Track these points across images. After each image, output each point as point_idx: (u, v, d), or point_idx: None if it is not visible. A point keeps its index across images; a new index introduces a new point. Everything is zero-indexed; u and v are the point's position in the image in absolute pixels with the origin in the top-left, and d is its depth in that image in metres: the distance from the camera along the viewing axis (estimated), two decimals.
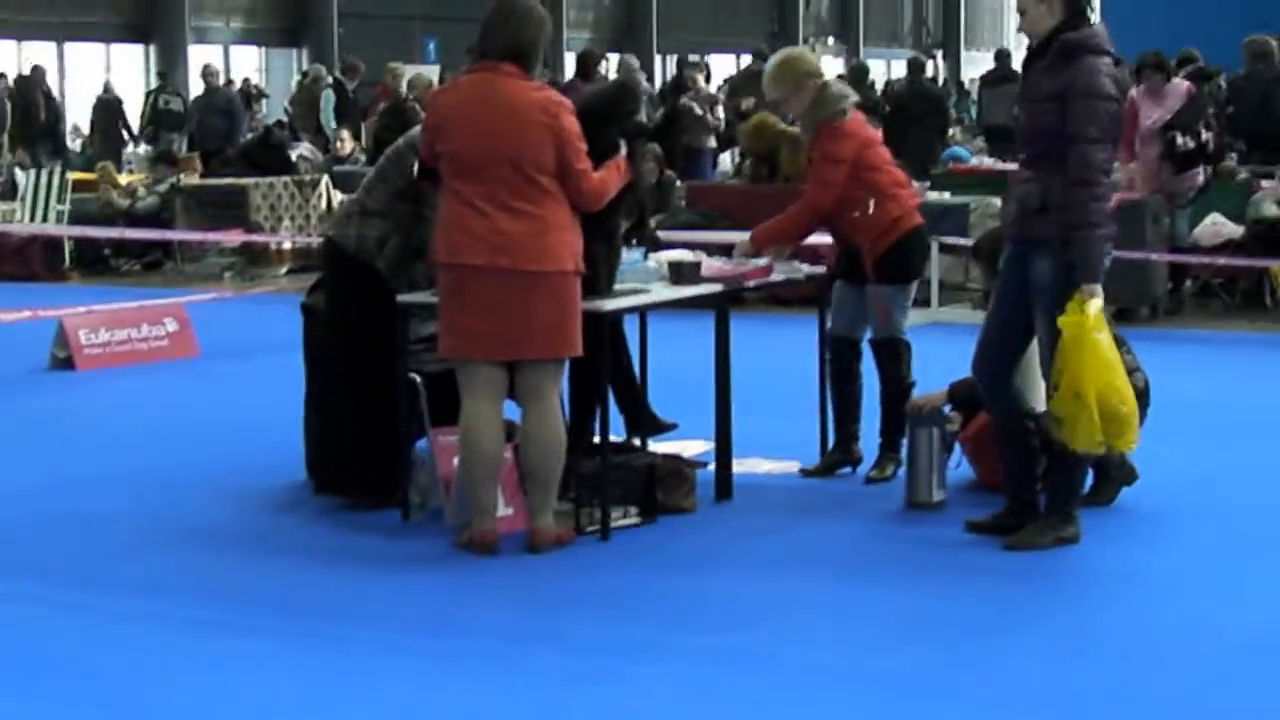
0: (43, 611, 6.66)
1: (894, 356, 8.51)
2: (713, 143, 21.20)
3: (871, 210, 8.39)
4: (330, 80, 24.98)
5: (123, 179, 20.84)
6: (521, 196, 7.14)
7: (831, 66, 42.21)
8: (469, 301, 7.21)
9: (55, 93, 28.65)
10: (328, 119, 23.45)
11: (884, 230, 8.42)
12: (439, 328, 7.40)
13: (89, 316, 12.67)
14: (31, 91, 26.65)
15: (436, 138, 7.31)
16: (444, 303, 7.33)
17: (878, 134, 8.76)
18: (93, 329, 12.46)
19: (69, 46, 34.83)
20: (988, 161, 18.61)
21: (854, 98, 8.73)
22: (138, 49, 35.65)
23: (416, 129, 7.89)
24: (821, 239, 9.14)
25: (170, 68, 33.68)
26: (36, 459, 9.36)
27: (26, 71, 28.16)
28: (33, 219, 18.96)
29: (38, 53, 33.99)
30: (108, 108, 27.73)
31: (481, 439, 7.29)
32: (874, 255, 8.43)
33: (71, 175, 20.07)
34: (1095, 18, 7.30)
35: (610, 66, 26.09)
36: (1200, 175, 14.56)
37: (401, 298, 7.68)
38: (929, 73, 28.58)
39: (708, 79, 24.13)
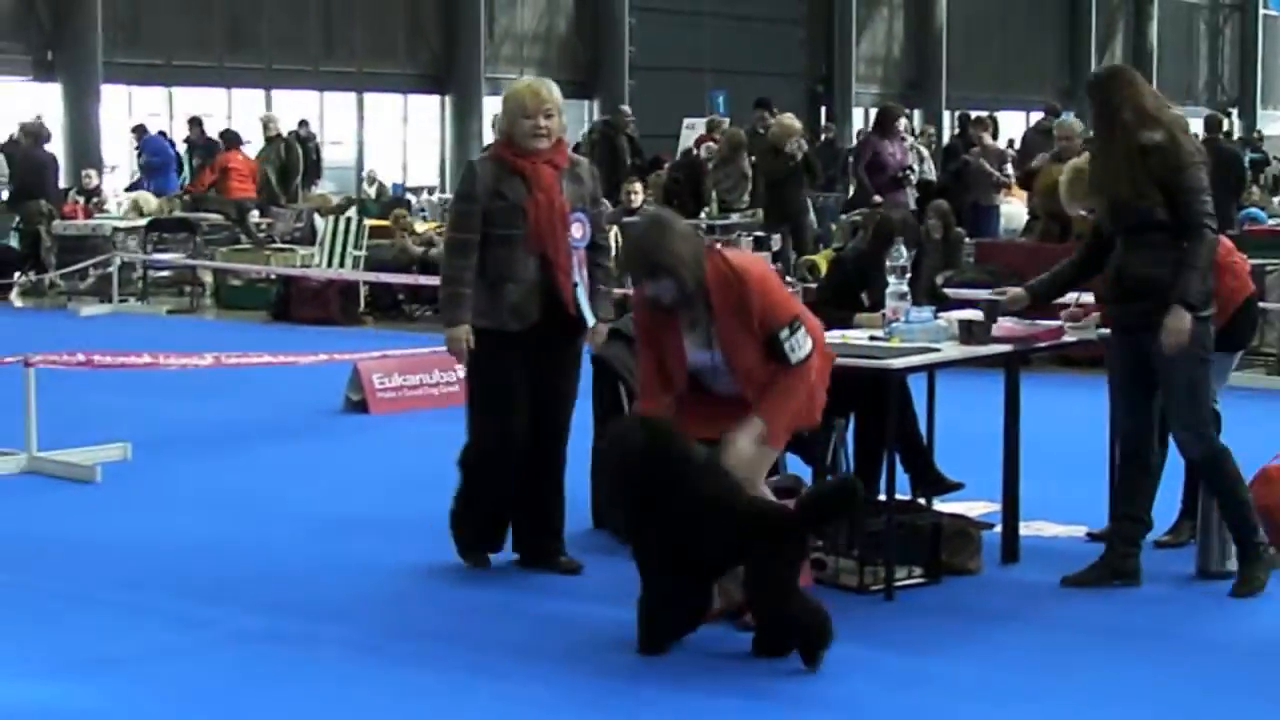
0: (324, 652, 6.79)
1: None
2: (999, 199, 20.99)
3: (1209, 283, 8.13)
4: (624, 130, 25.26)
5: (419, 226, 21.29)
6: None
7: None
8: None
9: (354, 141, 29.06)
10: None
11: (1224, 302, 8.02)
12: None
13: (383, 361, 12.93)
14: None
15: None
16: None
17: None
18: (386, 373, 12.72)
19: (368, 97, 35.76)
20: None
21: None
22: (434, 99, 36.45)
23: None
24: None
25: (465, 118, 34.39)
26: (327, 500, 9.59)
27: (324, 122, 28.76)
28: (330, 264, 19.49)
29: (337, 103, 34.97)
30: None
31: None
32: (1216, 327, 8.15)
33: (369, 221, 20.58)
34: None
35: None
36: None
37: None
38: (1224, 130, 27.97)
39: (994, 135, 23.88)
